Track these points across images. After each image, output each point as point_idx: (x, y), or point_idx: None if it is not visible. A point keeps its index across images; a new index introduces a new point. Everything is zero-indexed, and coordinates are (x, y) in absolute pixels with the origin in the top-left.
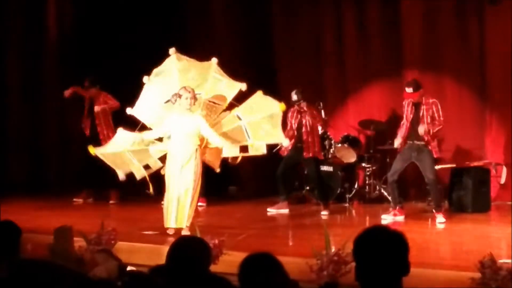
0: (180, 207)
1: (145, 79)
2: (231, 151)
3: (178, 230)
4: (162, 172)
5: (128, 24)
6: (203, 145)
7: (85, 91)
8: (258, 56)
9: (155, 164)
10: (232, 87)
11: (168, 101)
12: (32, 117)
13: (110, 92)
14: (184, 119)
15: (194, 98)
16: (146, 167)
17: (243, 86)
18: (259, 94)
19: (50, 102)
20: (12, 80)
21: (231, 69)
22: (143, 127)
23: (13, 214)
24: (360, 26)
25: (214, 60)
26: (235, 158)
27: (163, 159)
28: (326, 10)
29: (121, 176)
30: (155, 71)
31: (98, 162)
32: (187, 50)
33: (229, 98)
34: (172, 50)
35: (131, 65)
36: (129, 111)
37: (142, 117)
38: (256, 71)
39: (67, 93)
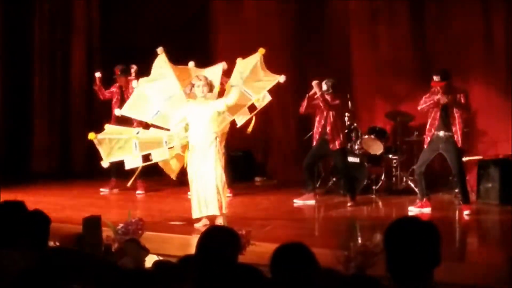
0: (208, 196)
1: (134, 83)
2: (243, 117)
3: (209, 218)
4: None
5: (157, 20)
6: (223, 132)
7: (102, 89)
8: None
9: (160, 157)
10: (270, 80)
11: (174, 96)
12: (59, 107)
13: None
14: (201, 108)
15: (208, 85)
16: (146, 159)
17: (281, 78)
18: (239, 60)
19: (78, 93)
20: (40, 71)
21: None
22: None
23: (42, 203)
24: (389, 20)
25: (262, 50)
26: (248, 124)
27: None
28: (356, 4)
29: (105, 164)
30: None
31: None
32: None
33: (264, 91)
34: (159, 49)
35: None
36: (117, 112)
37: (140, 116)
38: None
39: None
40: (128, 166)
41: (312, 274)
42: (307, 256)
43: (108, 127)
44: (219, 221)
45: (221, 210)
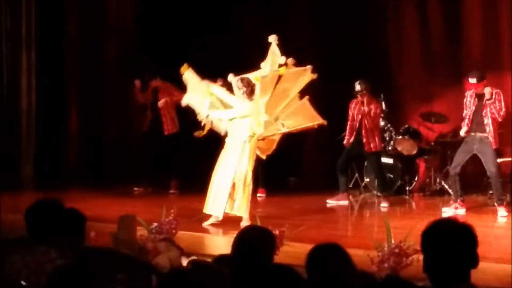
0: (218, 195)
1: (230, 77)
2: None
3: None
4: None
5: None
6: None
7: (141, 94)
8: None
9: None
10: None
11: None
12: (92, 107)
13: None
14: (240, 105)
15: (240, 88)
16: None
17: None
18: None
19: (110, 92)
20: (73, 72)
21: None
22: None
23: (76, 202)
24: (422, 19)
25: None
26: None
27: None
28: (388, 8)
29: (184, 101)
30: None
31: (158, 152)
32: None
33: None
34: (272, 38)
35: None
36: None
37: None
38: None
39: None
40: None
41: (348, 275)
42: (343, 257)
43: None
44: (243, 224)
45: (244, 213)
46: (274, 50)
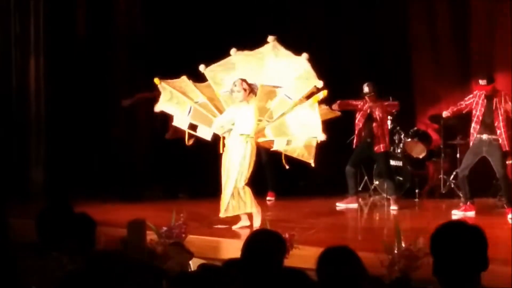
0: (224, 197)
1: (202, 67)
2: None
3: (227, 220)
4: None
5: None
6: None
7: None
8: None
9: (203, 135)
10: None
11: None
12: (102, 111)
13: None
14: (238, 110)
15: (246, 89)
16: (193, 127)
17: (319, 83)
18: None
19: (120, 96)
20: (81, 77)
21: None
22: None
23: (86, 207)
24: (431, 22)
25: (305, 56)
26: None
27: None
28: (397, 11)
29: (157, 109)
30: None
31: (168, 157)
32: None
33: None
34: (271, 38)
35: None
36: (202, 68)
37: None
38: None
39: (126, 102)
40: (175, 123)
41: (359, 278)
42: (354, 260)
43: (183, 79)
44: (255, 219)
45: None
46: (308, 69)
